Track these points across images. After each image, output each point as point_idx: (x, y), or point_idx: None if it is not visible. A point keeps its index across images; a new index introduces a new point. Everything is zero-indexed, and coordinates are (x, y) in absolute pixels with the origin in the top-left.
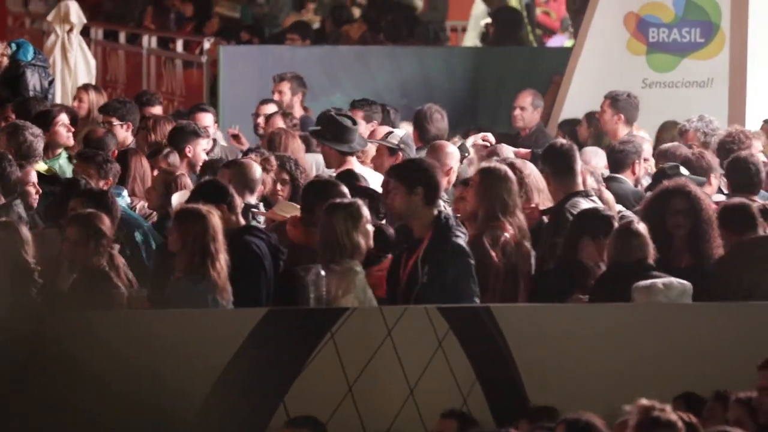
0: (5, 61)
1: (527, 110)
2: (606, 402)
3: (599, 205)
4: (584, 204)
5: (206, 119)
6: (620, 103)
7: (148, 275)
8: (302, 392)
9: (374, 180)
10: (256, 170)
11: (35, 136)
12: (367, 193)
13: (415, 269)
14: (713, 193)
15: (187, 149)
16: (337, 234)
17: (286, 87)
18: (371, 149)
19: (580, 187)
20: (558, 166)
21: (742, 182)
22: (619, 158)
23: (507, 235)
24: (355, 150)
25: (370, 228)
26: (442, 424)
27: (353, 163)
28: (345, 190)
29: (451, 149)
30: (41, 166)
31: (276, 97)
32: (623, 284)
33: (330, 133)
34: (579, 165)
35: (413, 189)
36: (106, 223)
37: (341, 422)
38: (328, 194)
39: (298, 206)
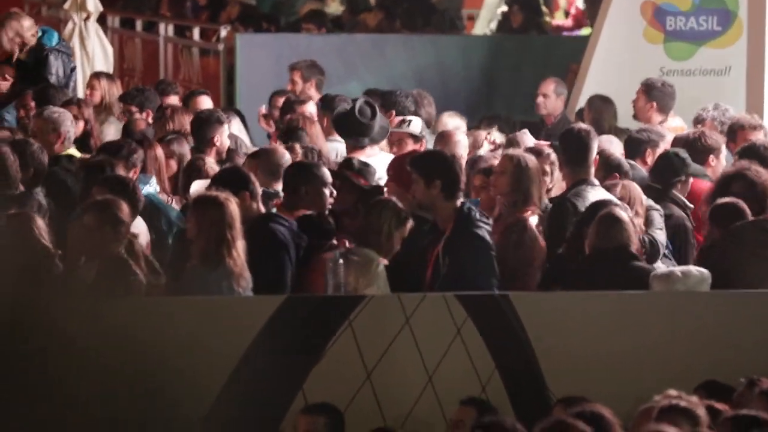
0: (33, 41)
1: (550, 97)
2: (625, 389)
3: (607, 195)
4: (591, 192)
5: (206, 102)
6: (655, 92)
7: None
8: (321, 379)
9: (382, 166)
10: (286, 157)
11: (71, 121)
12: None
13: (437, 261)
14: (718, 173)
15: (215, 138)
16: (381, 233)
17: (297, 76)
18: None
19: (591, 175)
20: (572, 152)
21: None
22: (632, 146)
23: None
24: (364, 145)
25: (406, 233)
26: (462, 411)
27: (366, 153)
28: (327, 173)
29: (460, 137)
30: (75, 152)
31: (289, 87)
32: (603, 270)
33: (344, 126)
34: (593, 153)
35: (431, 182)
36: (125, 210)
37: (360, 409)
38: (311, 176)
39: None
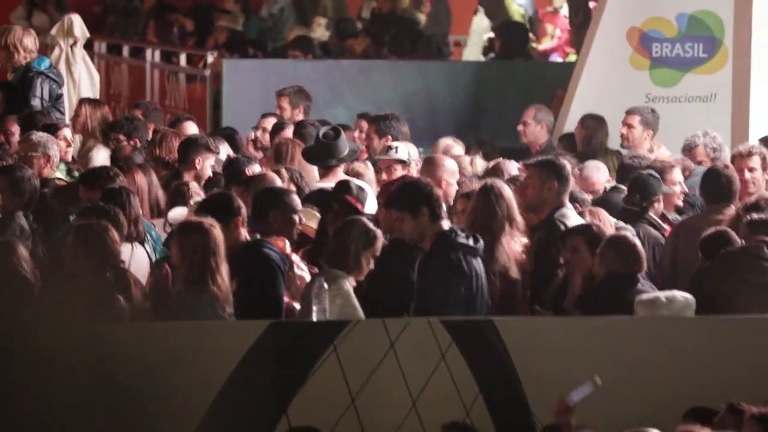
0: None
1: (530, 125)
2: (609, 416)
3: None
4: (572, 215)
5: (191, 128)
6: (649, 119)
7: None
8: (305, 404)
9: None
10: (277, 182)
11: (57, 145)
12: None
13: None
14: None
15: (196, 161)
16: (347, 241)
17: (285, 102)
18: (365, 170)
19: (567, 202)
20: (563, 181)
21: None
22: (625, 172)
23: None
24: (332, 165)
25: (372, 260)
26: None
27: (339, 174)
28: (296, 198)
29: (446, 162)
30: (62, 175)
31: (278, 112)
32: (616, 295)
33: (316, 155)
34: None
35: (418, 212)
36: (112, 235)
37: None
38: (281, 202)
39: (316, 213)
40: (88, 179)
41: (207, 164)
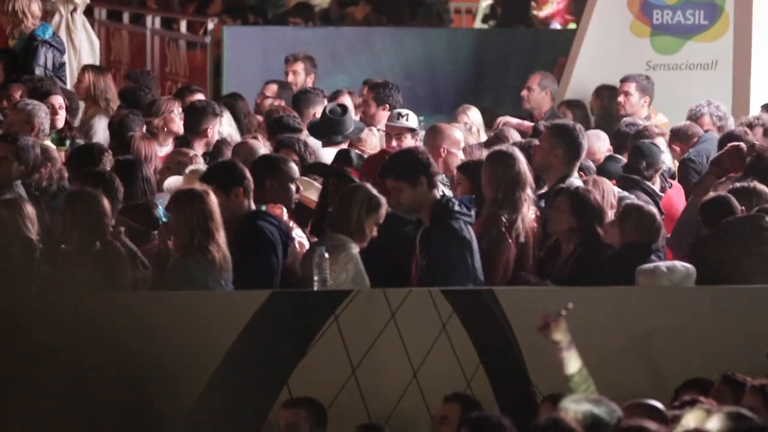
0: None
1: (534, 91)
2: (610, 385)
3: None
4: (577, 185)
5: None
6: (645, 86)
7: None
8: (306, 375)
9: None
10: (260, 152)
11: (45, 113)
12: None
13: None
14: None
15: (207, 130)
16: (350, 208)
17: (300, 67)
18: (369, 138)
19: (575, 172)
20: (572, 149)
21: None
22: (620, 139)
23: (522, 217)
24: (338, 141)
25: (375, 226)
26: (446, 407)
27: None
28: (294, 166)
29: (449, 131)
30: (49, 144)
31: (290, 78)
32: (634, 264)
33: (322, 130)
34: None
35: (417, 181)
36: (102, 203)
37: (345, 404)
38: (278, 170)
39: (316, 183)
40: (74, 161)
41: (216, 130)
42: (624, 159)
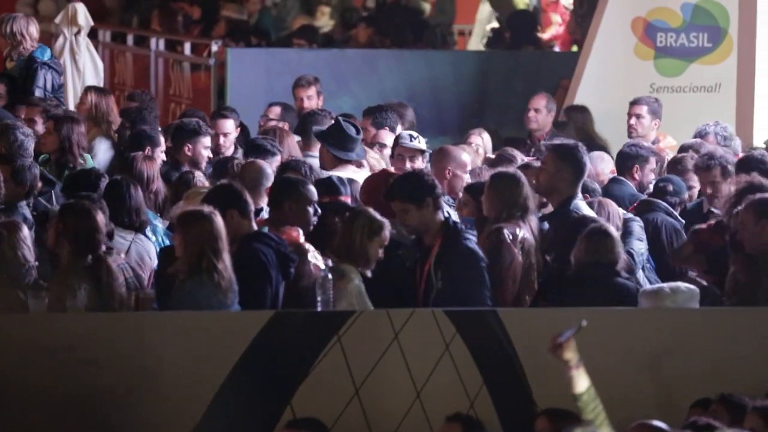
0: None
1: (542, 112)
2: (614, 406)
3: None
4: (583, 207)
5: (227, 125)
6: (656, 108)
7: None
8: (309, 395)
9: None
10: (266, 172)
11: (26, 135)
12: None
13: (430, 276)
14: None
15: (186, 148)
16: (352, 233)
17: (313, 91)
18: (373, 162)
19: (579, 193)
20: (577, 170)
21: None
22: (622, 161)
23: (526, 234)
24: (352, 159)
25: (380, 249)
26: (447, 427)
27: (347, 170)
28: (312, 189)
29: (455, 153)
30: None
31: (305, 102)
32: (589, 286)
33: (333, 137)
34: (587, 170)
35: (422, 202)
36: (97, 218)
37: (348, 425)
38: (295, 193)
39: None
40: (71, 186)
41: (200, 148)
42: (625, 180)
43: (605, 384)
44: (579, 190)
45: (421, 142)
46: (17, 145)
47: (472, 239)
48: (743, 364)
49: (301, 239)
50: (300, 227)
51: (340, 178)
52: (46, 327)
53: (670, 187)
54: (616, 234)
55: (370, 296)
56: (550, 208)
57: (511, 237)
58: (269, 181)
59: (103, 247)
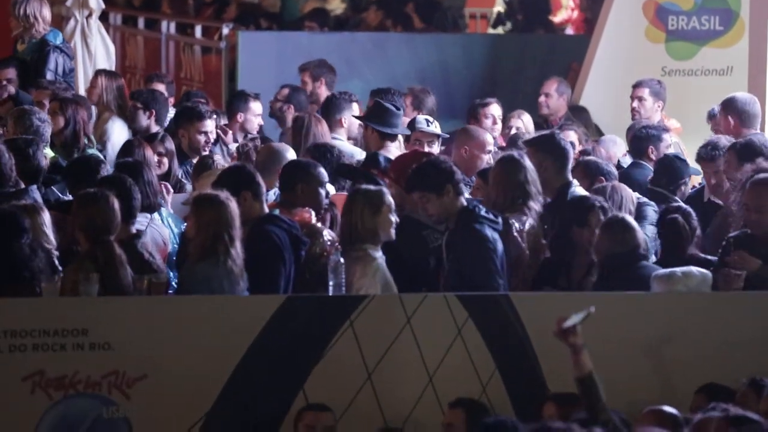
0: (42, 33)
1: (552, 97)
2: (625, 390)
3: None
4: (581, 193)
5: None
6: (659, 90)
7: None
8: (322, 379)
9: None
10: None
11: (42, 121)
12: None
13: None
14: None
15: (238, 116)
16: (353, 219)
17: (306, 77)
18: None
19: (571, 178)
20: (560, 158)
21: None
22: (636, 144)
23: (532, 221)
24: (398, 133)
25: (392, 217)
26: (450, 414)
27: (390, 148)
28: (323, 172)
29: (476, 133)
30: (48, 152)
31: (307, 87)
32: (617, 273)
33: (375, 116)
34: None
35: (443, 190)
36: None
37: (361, 409)
38: (307, 175)
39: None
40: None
41: (250, 116)
42: (644, 163)
43: (613, 369)
44: (569, 175)
45: (437, 127)
46: (33, 130)
47: (485, 223)
48: (755, 349)
49: (313, 220)
50: (312, 209)
51: (386, 158)
52: (59, 311)
53: (663, 180)
54: (633, 221)
55: (393, 277)
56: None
57: (518, 230)
58: (280, 164)
59: (133, 230)
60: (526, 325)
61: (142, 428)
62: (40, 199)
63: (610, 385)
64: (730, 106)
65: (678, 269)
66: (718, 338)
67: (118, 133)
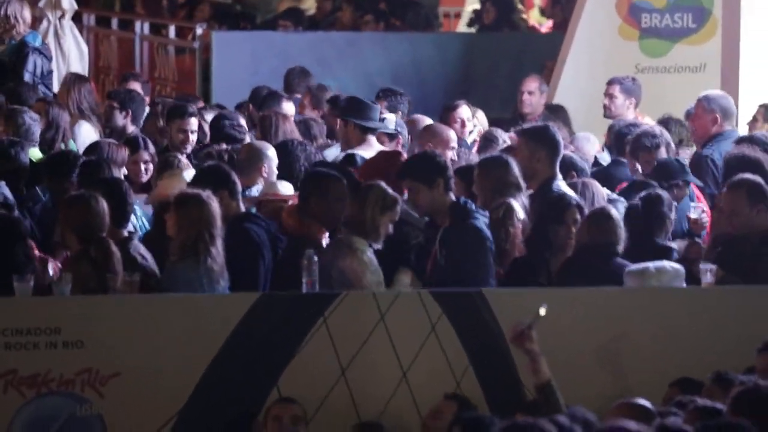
0: (22, 34)
1: (535, 94)
2: (598, 386)
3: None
4: (564, 187)
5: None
6: (630, 88)
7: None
8: (296, 376)
9: None
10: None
11: (33, 120)
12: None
13: (437, 254)
14: None
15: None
16: (366, 218)
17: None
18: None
19: (558, 172)
20: (553, 150)
21: None
22: (618, 143)
23: (522, 215)
24: (378, 128)
25: (391, 224)
26: (443, 404)
27: (372, 142)
28: (344, 183)
29: (439, 130)
30: (35, 153)
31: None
32: (590, 266)
33: (353, 110)
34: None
35: (433, 183)
36: (97, 206)
37: (334, 406)
38: (322, 188)
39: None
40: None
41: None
42: (625, 161)
43: (594, 362)
44: (557, 170)
45: (386, 124)
46: (24, 129)
47: (480, 219)
48: (728, 344)
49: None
50: (323, 224)
51: (362, 157)
52: (32, 310)
53: (665, 184)
54: (617, 215)
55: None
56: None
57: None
58: (266, 161)
59: (125, 233)
60: (500, 322)
61: (116, 426)
62: (10, 196)
63: (582, 379)
64: (712, 101)
65: (651, 264)
66: (692, 333)
67: (85, 135)
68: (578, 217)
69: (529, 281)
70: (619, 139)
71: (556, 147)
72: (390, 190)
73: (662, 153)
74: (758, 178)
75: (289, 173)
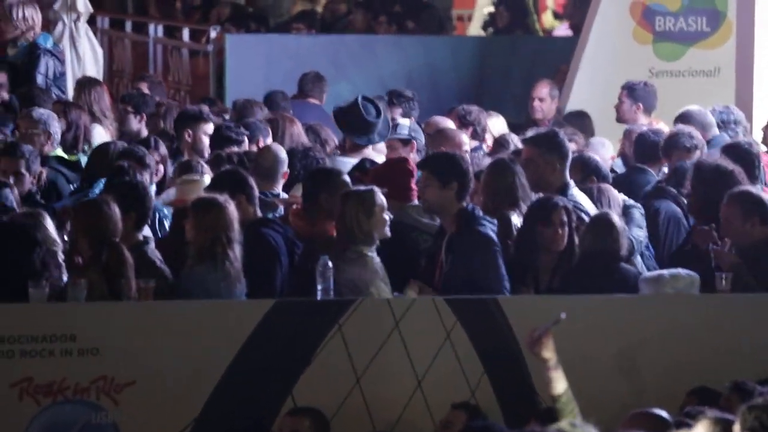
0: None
1: (546, 101)
2: (613, 392)
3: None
4: (578, 194)
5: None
6: (638, 92)
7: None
8: (311, 383)
9: None
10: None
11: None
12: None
13: (443, 260)
14: None
15: (186, 134)
16: (347, 222)
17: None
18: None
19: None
20: (564, 157)
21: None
22: (643, 148)
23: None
24: (373, 142)
25: (385, 216)
26: (453, 414)
27: (367, 153)
28: (348, 179)
29: (452, 134)
30: (61, 153)
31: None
32: (594, 272)
33: (348, 120)
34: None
35: (447, 184)
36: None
37: (349, 413)
38: (331, 184)
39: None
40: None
41: (200, 134)
42: (650, 170)
43: (609, 371)
44: (568, 176)
45: (399, 131)
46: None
47: (487, 225)
48: (744, 351)
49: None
50: (335, 218)
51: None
52: (47, 317)
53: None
54: (620, 222)
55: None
56: None
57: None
58: (284, 166)
59: (140, 237)
60: (514, 329)
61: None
62: (14, 202)
63: (598, 387)
64: (689, 119)
65: (666, 271)
66: (708, 340)
67: (98, 138)
68: (565, 218)
69: (516, 281)
70: (646, 145)
71: (567, 154)
72: (362, 188)
73: (697, 156)
74: (756, 191)
75: (286, 181)
